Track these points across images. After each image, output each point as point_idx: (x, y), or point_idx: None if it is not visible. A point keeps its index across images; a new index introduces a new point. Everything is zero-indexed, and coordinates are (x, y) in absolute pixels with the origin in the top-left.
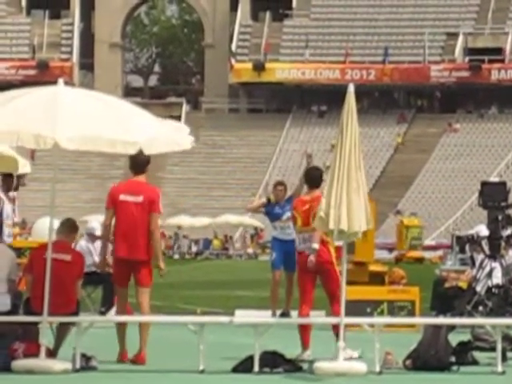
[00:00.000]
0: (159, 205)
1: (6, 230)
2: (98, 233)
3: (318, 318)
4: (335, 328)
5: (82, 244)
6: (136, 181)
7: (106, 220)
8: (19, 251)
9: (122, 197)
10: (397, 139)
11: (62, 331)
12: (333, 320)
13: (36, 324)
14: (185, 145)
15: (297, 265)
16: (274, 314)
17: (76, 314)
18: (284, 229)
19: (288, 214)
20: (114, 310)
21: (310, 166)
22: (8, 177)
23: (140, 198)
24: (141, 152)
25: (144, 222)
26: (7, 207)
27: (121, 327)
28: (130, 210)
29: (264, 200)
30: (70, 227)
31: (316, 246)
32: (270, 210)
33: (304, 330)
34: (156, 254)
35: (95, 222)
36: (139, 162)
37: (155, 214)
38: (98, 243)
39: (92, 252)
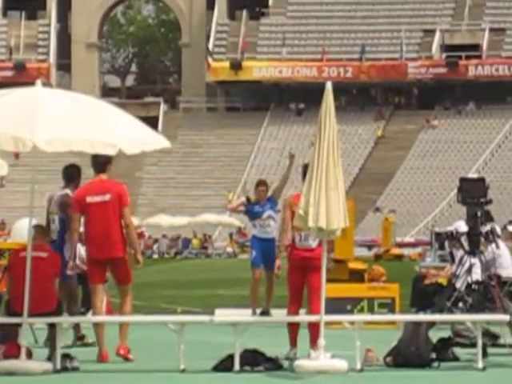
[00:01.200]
0: (127, 198)
1: None
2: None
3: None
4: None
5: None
6: (99, 180)
7: (74, 224)
8: None
9: (89, 199)
10: (377, 132)
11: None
12: (313, 318)
13: (16, 325)
14: (164, 143)
15: (289, 261)
16: (254, 313)
17: (57, 311)
18: (264, 227)
19: (268, 213)
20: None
21: (290, 166)
22: None
23: (107, 197)
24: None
25: (116, 220)
26: None
27: (99, 327)
28: (99, 210)
29: (243, 199)
30: (41, 232)
31: (332, 255)
32: (251, 208)
33: (292, 328)
34: (133, 246)
35: None
36: (100, 161)
37: (127, 208)
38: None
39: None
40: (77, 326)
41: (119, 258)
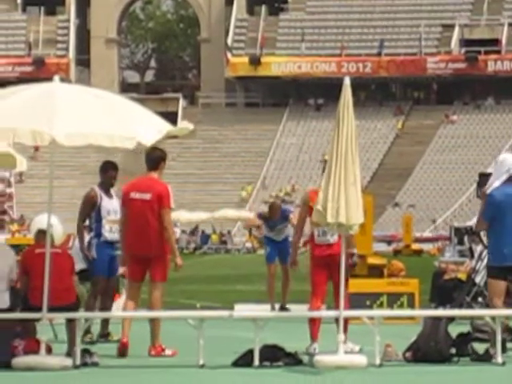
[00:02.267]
0: (169, 200)
1: (107, 226)
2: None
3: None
4: (314, 327)
5: None
6: (146, 178)
7: (121, 218)
8: (17, 248)
9: (132, 195)
10: (396, 126)
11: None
12: (331, 313)
13: (34, 321)
14: (184, 124)
15: (311, 257)
16: (272, 308)
17: (76, 305)
18: (277, 235)
19: (279, 227)
20: (113, 305)
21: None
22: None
23: (148, 196)
24: (156, 148)
25: (154, 219)
26: (107, 203)
27: (126, 321)
28: (138, 207)
29: (258, 221)
30: (44, 236)
31: (354, 250)
32: (265, 222)
33: (313, 323)
34: (171, 249)
35: None
36: (152, 158)
37: (166, 210)
38: None
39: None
40: (105, 323)
41: (156, 257)
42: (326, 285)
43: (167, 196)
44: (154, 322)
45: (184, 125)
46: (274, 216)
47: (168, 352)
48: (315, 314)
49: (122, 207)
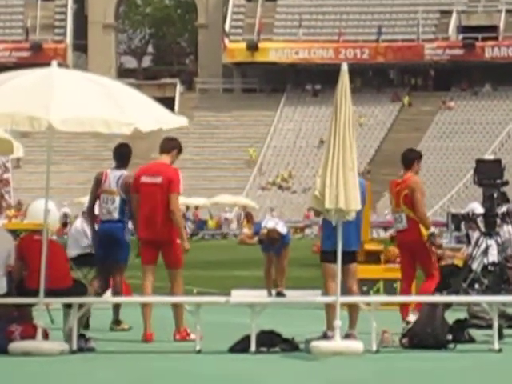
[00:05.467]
0: (178, 185)
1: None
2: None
3: (314, 297)
4: (404, 308)
5: (77, 225)
6: (157, 162)
7: (133, 203)
8: (15, 233)
9: (143, 179)
10: (403, 101)
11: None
12: (328, 299)
13: (30, 306)
14: (181, 121)
15: (397, 244)
16: (269, 294)
17: (72, 290)
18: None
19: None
20: (109, 291)
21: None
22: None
23: (159, 179)
24: (172, 138)
25: (164, 203)
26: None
27: (146, 307)
28: (149, 191)
29: (256, 239)
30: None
31: (433, 229)
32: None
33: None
34: (179, 234)
35: None
36: (165, 143)
37: (174, 194)
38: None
39: (87, 233)
40: (116, 309)
41: (165, 241)
42: (412, 269)
43: (177, 181)
44: (177, 306)
45: (181, 122)
46: (275, 246)
47: (193, 336)
48: (313, 299)
49: (133, 192)
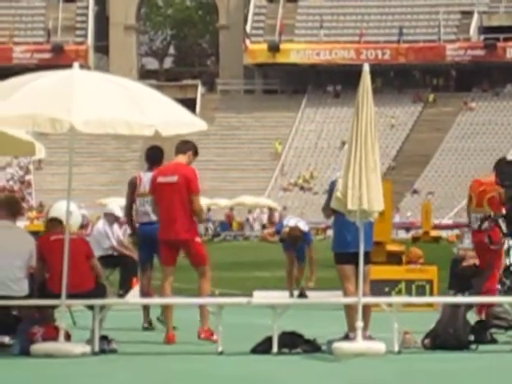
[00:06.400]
0: (197, 184)
1: None
2: (118, 213)
3: (335, 298)
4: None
5: (99, 226)
6: (173, 162)
7: (152, 205)
8: (36, 235)
9: (159, 179)
10: (428, 98)
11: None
12: (351, 300)
13: (52, 307)
14: (201, 125)
15: (474, 244)
16: (291, 295)
17: (95, 292)
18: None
19: (300, 250)
20: (131, 292)
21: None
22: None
23: (174, 178)
24: (187, 141)
25: (182, 202)
26: None
27: (167, 308)
28: (165, 191)
29: (273, 233)
30: (59, 223)
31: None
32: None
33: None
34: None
35: (114, 203)
36: (180, 143)
37: (195, 196)
38: (116, 226)
39: (109, 234)
40: (145, 310)
41: (185, 240)
42: (495, 268)
43: (194, 180)
44: (203, 306)
45: (200, 127)
46: (297, 244)
47: (215, 337)
48: (333, 300)
49: (151, 193)
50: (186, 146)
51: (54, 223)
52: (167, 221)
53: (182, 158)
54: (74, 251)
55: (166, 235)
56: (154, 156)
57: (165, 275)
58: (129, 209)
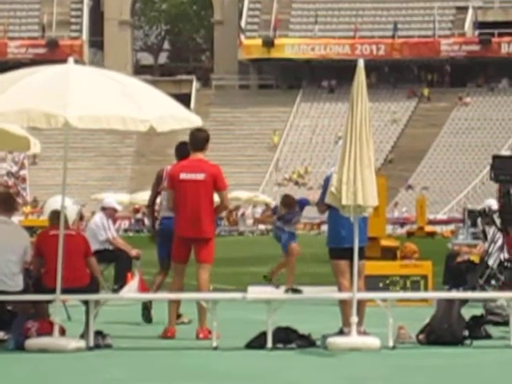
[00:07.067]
0: (224, 180)
1: None
2: (117, 207)
3: (330, 293)
4: None
5: (96, 220)
6: (196, 159)
7: (169, 202)
8: (31, 230)
9: (183, 175)
10: (423, 92)
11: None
12: (344, 295)
13: (47, 302)
14: (196, 121)
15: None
16: (288, 290)
17: (90, 287)
18: (292, 227)
19: (297, 218)
20: (126, 287)
21: None
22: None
23: (201, 176)
24: (200, 129)
25: (206, 200)
26: None
27: (173, 303)
28: (190, 188)
29: (270, 214)
30: (58, 217)
31: None
32: (281, 217)
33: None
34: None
35: (111, 198)
36: (198, 139)
37: (224, 192)
38: (110, 222)
39: (106, 228)
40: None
41: (208, 239)
42: None
43: (222, 177)
44: (201, 305)
45: (195, 122)
46: (293, 209)
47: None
48: (328, 296)
49: (169, 190)
50: (202, 140)
51: (55, 216)
52: (191, 218)
53: (201, 155)
54: (72, 247)
55: (188, 232)
56: (185, 151)
57: (176, 272)
58: (152, 200)
